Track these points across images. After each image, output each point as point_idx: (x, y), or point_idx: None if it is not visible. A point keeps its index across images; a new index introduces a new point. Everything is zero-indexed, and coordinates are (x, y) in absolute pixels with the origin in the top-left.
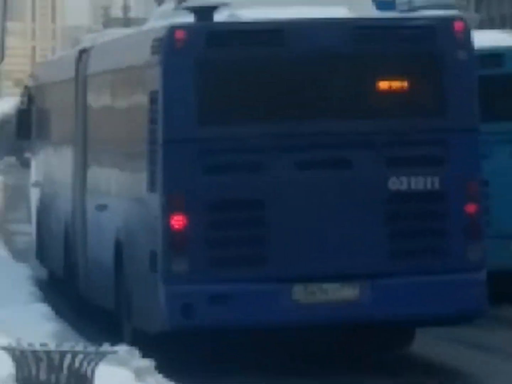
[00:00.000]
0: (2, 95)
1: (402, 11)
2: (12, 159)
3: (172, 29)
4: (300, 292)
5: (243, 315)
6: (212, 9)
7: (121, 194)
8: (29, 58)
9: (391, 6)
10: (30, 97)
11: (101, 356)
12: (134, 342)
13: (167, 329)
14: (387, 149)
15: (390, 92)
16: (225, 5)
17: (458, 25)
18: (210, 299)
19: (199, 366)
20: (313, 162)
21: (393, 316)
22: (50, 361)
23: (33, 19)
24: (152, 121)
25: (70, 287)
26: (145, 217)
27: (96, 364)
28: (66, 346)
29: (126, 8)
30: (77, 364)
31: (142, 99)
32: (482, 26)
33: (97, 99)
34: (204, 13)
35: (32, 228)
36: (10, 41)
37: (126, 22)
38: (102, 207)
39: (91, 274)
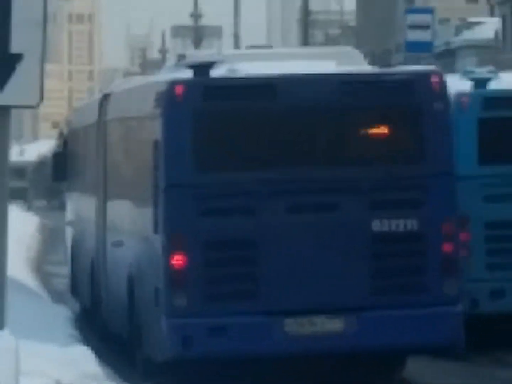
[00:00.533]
0: (40, 137)
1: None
2: (49, 201)
3: (172, 83)
4: (291, 325)
5: (239, 345)
6: (208, 65)
7: (133, 234)
8: (66, 100)
9: (428, 48)
10: (64, 140)
11: None
12: (145, 370)
13: (169, 358)
14: (370, 194)
15: (373, 141)
16: (221, 61)
17: (434, 78)
18: (208, 331)
19: None
20: (302, 206)
21: (376, 347)
22: None
23: (70, 61)
24: (156, 167)
25: (97, 319)
26: (151, 256)
27: None
28: None
29: (163, 50)
30: None
31: (147, 147)
32: None
33: (113, 145)
34: (201, 69)
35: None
36: (48, 83)
37: (163, 64)
38: (118, 245)
39: (110, 306)
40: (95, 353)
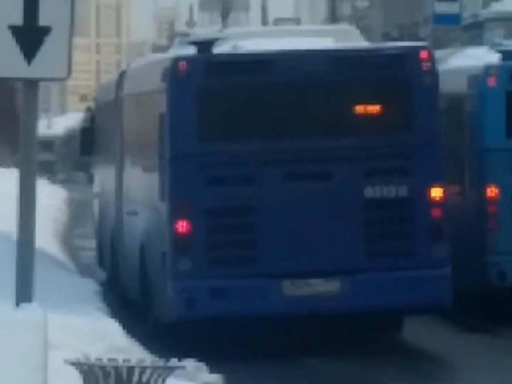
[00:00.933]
0: (68, 111)
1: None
2: (80, 174)
3: (176, 60)
4: (288, 287)
5: (239, 307)
6: (211, 42)
7: (144, 203)
8: (94, 73)
9: (456, 20)
10: (91, 115)
11: (169, 371)
12: (155, 331)
13: (174, 319)
14: (363, 162)
15: (365, 113)
16: (222, 39)
17: (423, 53)
18: (209, 293)
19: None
20: (298, 174)
21: (370, 307)
22: (118, 376)
23: (98, 34)
24: (162, 139)
25: (117, 287)
26: (158, 223)
27: (164, 379)
28: (134, 361)
29: (191, 23)
30: (145, 379)
31: (155, 120)
32: None
33: (127, 119)
34: (204, 45)
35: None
36: (75, 56)
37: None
38: (132, 214)
39: (127, 273)
40: (122, 324)
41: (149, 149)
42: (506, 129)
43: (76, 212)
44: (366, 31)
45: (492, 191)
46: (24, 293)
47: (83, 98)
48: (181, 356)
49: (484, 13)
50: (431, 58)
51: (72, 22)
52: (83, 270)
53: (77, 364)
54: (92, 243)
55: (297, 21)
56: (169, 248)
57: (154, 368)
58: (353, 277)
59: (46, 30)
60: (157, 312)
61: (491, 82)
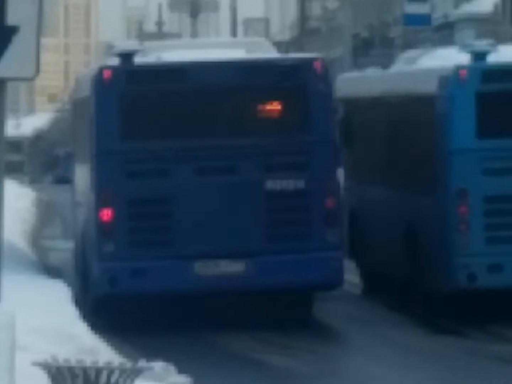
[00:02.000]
0: (37, 111)
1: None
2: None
3: (101, 69)
4: (199, 267)
5: (156, 285)
6: (131, 53)
7: (84, 194)
8: (63, 74)
9: (426, 21)
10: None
11: (137, 373)
12: (93, 310)
13: (99, 295)
14: (264, 158)
15: (266, 115)
16: (144, 50)
17: (317, 64)
18: (130, 273)
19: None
20: (208, 168)
21: (270, 285)
22: (87, 377)
23: (66, 34)
24: (90, 138)
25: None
26: (89, 210)
27: (132, 380)
28: (102, 363)
29: (160, 23)
30: (113, 380)
31: (87, 121)
32: None
33: (75, 121)
34: (126, 56)
35: None
36: (44, 57)
37: (160, 36)
38: (77, 205)
39: (77, 257)
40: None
41: (84, 147)
42: (476, 129)
43: (45, 213)
44: (336, 32)
45: (461, 193)
46: None
47: (51, 98)
48: (149, 357)
49: (455, 14)
50: (324, 68)
51: (40, 21)
52: (52, 271)
53: (45, 366)
54: (60, 244)
55: (266, 21)
56: (95, 233)
57: (122, 370)
58: (256, 258)
59: (14, 30)
60: (91, 290)
61: (462, 82)
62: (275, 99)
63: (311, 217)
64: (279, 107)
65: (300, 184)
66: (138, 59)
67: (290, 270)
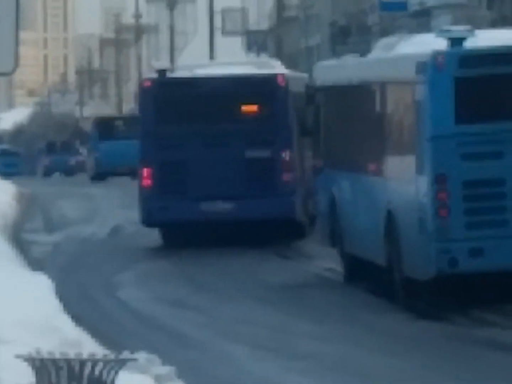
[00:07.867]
0: (16, 105)
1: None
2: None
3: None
4: (207, 205)
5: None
6: (166, 70)
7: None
8: (42, 68)
9: (402, 7)
10: None
11: (121, 364)
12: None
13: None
14: (245, 137)
15: (248, 113)
16: (177, 68)
17: (280, 78)
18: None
19: None
20: (213, 143)
21: (250, 218)
22: (70, 369)
23: (45, 29)
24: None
25: None
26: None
27: (116, 372)
28: (86, 355)
29: (137, 15)
30: (97, 372)
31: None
32: (494, 24)
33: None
34: (163, 72)
35: None
36: (23, 51)
37: (138, 29)
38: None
39: None
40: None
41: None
42: (455, 115)
43: (26, 207)
44: (313, 20)
45: (441, 178)
46: None
47: (30, 92)
48: (133, 348)
49: (431, 0)
50: (285, 80)
51: (17, 15)
52: (34, 264)
53: (29, 359)
54: (43, 237)
55: (243, 11)
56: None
57: (106, 361)
58: (239, 200)
59: None
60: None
61: (439, 68)
62: (254, 101)
63: (275, 174)
64: (256, 108)
65: (268, 153)
66: (172, 74)
67: (261, 208)
